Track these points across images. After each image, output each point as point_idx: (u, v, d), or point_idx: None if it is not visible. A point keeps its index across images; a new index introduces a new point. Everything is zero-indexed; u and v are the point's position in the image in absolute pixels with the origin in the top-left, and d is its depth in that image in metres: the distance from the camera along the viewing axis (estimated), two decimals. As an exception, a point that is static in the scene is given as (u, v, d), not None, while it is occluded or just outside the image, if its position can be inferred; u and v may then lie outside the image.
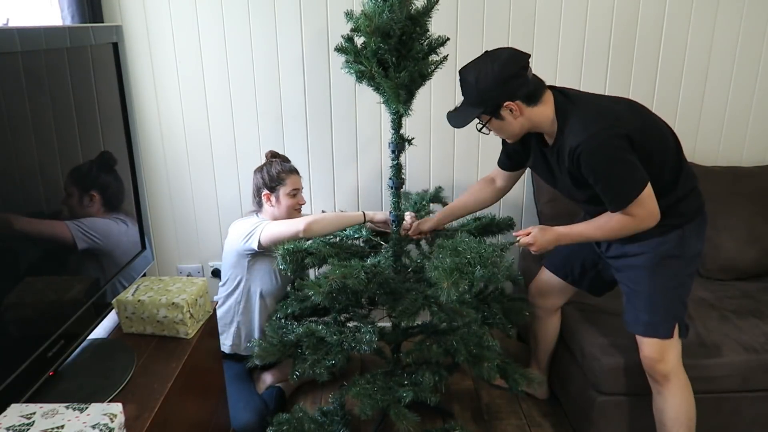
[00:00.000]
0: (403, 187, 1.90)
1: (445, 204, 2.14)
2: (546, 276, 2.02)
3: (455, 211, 1.97)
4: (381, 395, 1.71)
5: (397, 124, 1.78)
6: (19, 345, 1.09)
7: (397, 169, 1.84)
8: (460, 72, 1.60)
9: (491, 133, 1.67)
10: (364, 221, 1.97)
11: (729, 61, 2.41)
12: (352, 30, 1.69)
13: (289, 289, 2.04)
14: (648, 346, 1.67)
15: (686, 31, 2.36)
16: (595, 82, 2.40)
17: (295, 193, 2.07)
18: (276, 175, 2.05)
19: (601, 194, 1.56)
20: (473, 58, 1.61)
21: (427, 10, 1.65)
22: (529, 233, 1.67)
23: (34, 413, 1.01)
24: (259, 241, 1.92)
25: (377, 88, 1.71)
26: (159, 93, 2.32)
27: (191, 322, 1.45)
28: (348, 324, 1.91)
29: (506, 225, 1.96)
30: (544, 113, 1.57)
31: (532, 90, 1.55)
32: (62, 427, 0.98)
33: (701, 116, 2.48)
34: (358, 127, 2.42)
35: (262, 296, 2.07)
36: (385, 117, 2.38)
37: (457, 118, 1.62)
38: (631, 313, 1.71)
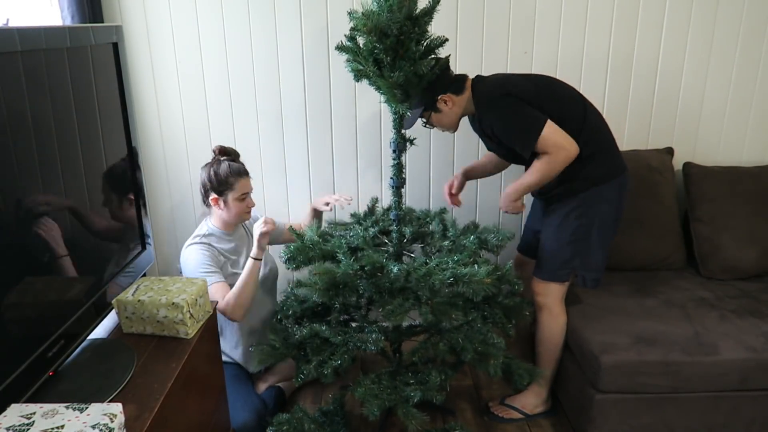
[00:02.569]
0: (404, 186, 1.91)
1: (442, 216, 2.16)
2: (518, 255, 2.34)
3: (481, 168, 2.25)
4: (387, 395, 1.71)
5: (398, 124, 1.79)
6: (19, 345, 1.09)
7: (398, 169, 1.84)
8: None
9: (435, 127, 2.00)
10: (258, 258, 1.89)
11: (729, 61, 2.41)
12: (351, 29, 1.70)
13: (290, 289, 2.04)
14: (535, 282, 2.04)
15: (686, 31, 2.36)
16: (594, 82, 2.40)
17: (245, 197, 1.96)
18: (224, 178, 1.91)
19: (513, 146, 1.85)
20: None
21: (428, 12, 1.65)
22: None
23: (34, 413, 1.01)
24: None
25: (377, 88, 1.72)
26: (159, 93, 2.32)
27: (191, 322, 1.45)
28: (350, 324, 1.91)
29: (506, 240, 1.94)
30: (467, 98, 1.91)
31: (456, 82, 1.88)
32: (62, 427, 0.98)
33: (701, 116, 2.48)
34: (358, 127, 2.42)
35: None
36: (386, 117, 2.39)
37: (407, 121, 1.87)
38: (537, 260, 2.04)
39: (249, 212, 2.02)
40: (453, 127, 1.99)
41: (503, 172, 2.35)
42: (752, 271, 2.28)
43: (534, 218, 2.21)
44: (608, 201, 1.92)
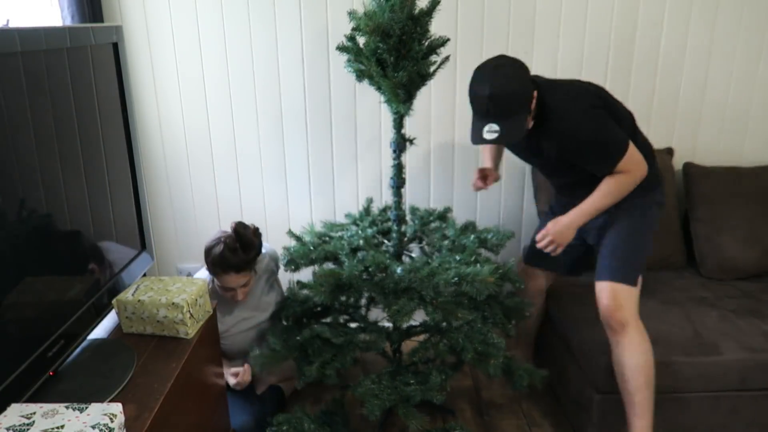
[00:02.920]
0: (404, 186, 1.91)
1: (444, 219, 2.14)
2: (526, 269, 2.16)
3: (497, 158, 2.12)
4: (387, 395, 1.71)
5: (398, 124, 1.79)
6: (19, 345, 1.09)
7: (398, 169, 1.84)
8: (493, 92, 1.59)
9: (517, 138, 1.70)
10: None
11: (729, 61, 2.41)
12: (353, 29, 1.69)
13: (289, 288, 2.04)
14: (606, 295, 1.75)
15: (686, 31, 2.36)
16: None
17: (229, 290, 1.86)
18: (211, 265, 1.80)
19: (591, 164, 1.72)
20: (483, 75, 1.64)
21: (429, 11, 1.65)
22: (546, 236, 1.79)
23: (34, 413, 1.01)
24: None
25: (378, 88, 1.72)
26: (159, 93, 2.33)
27: (191, 322, 1.45)
28: (350, 324, 1.91)
29: (506, 239, 1.94)
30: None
31: (533, 80, 1.70)
32: (62, 427, 0.98)
33: (701, 116, 2.48)
34: (358, 127, 2.42)
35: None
36: (386, 117, 2.39)
37: (512, 131, 1.62)
38: (600, 264, 1.82)
39: (234, 298, 1.89)
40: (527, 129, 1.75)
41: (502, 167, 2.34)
42: (752, 271, 2.28)
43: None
44: (658, 205, 1.88)
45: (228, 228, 1.84)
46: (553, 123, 1.67)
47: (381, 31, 1.59)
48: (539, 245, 1.82)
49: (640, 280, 1.81)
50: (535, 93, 1.66)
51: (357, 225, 2.04)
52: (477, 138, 1.64)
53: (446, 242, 1.92)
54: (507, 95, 1.60)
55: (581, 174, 1.79)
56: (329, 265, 1.83)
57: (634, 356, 1.71)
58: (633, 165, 1.70)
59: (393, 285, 1.72)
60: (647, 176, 1.77)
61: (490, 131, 1.61)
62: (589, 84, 1.79)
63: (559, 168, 1.85)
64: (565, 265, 2.06)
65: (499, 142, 1.64)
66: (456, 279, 1.66)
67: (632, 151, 1.68)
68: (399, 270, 1.70)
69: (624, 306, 1.73)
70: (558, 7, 2.30)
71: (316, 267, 1.84)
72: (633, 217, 1.82)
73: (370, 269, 1.73)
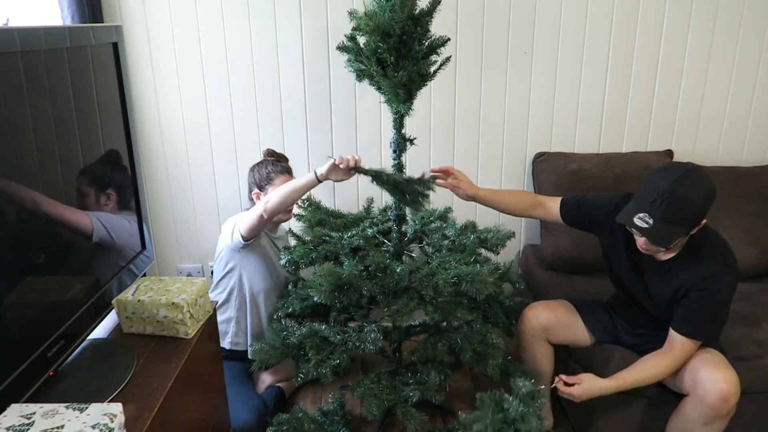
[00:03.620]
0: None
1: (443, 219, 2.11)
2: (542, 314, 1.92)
3: (495, 201, 1.89)
4: (386, 395, 1.71)
5: (398, 124, 1.79)
6: (19, 345, 1.09)
7: (398, 169, 1.84)
8: (674, 189, 1.49)
9: (645, 244, 1.60)
10: (318, 181, 1.78)
11: (729, 61, 2.41)
12: (353, 29, 1.69)
13: (291, 287, 2.04)
14: (727, 379, 1.55)
15: (686, 31, 2.36)
16: (594, 82, 2.40)
17: None
18: (266, 174, 2.06)
19: (691, 318, 1.59)
20: (672, 170, 1.53)
21: (429, 11, 1.65)
22: (574, 385, 1.63)
23: (34, 413, 1.01)
24: (240, 234, 1.93)
25: (379, 88, 1.71)
26: (159, 93, 2.32)
27: (191, 322, 1.45)
28: (350, 324, 1.91)
29: (506, 239, 1.92)
30: None
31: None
32: (62, 427, 0.98)
33: (701, 116, 2.48)
34: (358, 127, 2.42)
35: (254, 294, 2.08)
36: (386, 117, 2.39)
37: (662, 236, 1.53)
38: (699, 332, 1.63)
39: (288, 212, 2.08)
40: (661, 254, 1.66)
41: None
42: (752, 272, 2.28)
43: (609, 329, 1.88)
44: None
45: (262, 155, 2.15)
46: (699, 267, 1.57)
47: (381, 31, 1.59)
48: (560, 389, 1.66)
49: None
50: (703, 222, 1.55)
51: (358, 225, 2.03)
52: (627, 219, 1.55)
53: (446, 242, 1.92)
54: (683, 200, 1.49)
55: (663, 318, 1.68)
56: (329, 265, 1.83)
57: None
58: (685, 355, 1.60)
59: (393, 285, 1.72)
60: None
61: (643, 220, 1.52)
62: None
63: (655, 303, 1.70)
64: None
65: (645, 235, 1.53)
66: (455, 279, 1.66)
67: (695, 348, 1.60)
68: (399, 270, 1.70)
69: (737, 391, 1.57)
70: (558, 7, 2.30)
71: (316, 267, 1.84)
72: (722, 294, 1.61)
73: (370, 269, 1.73)
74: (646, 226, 1.51)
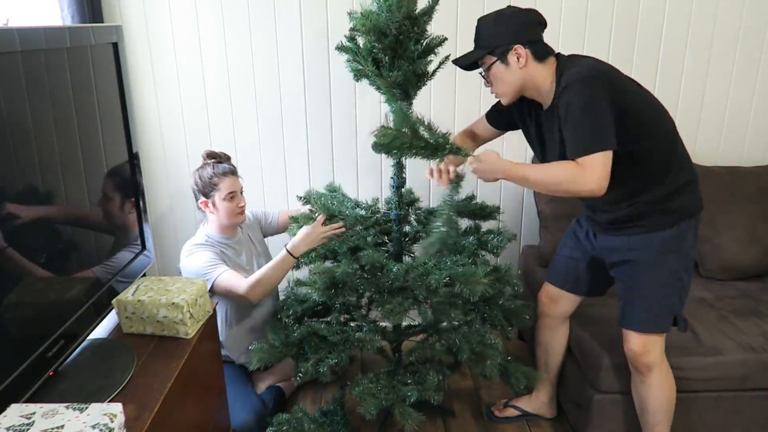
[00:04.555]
0: (404, 186, 1.91)
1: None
2: (550, 287, 1.98)
3: (471, 144, 1.93)
4: (385, 394, 1.71)
5: (398, 124, 1.78)
6: (19, 345, 1.09)
7: (398, 169, 1.84)
8: (479, 19, 1.60)
9: (490, 85, 1.64)
10: (295, 258, 1.86)
11: (729, 61, 2.41)
12: (350, 30, 1.70)
13: (289, 289, 2.04)
14: (633, 340, 1.66)
15: (686, 30, 2.36)
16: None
17: (233, 196, 1.93)
18: (208, 180, 1.91)
19: (567, 138, 1.49)
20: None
21: (427, 11, 1.66)
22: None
23: (34, 413, 1.01)
24: (212, 287, 1.85)
25: (378, 87, 1.72)
26: (159, 93, 2.33)
27: (191, 322, 1.45)
28: (349, 324, 1.91)
29: (506, 242, 1.92)
30: (544, 74, 1.56)
31: (541, 45, 1.56)
32: (62, 427, 0.98)
33: (701, 116, 2.48)
34: (358, 127, 2.42)
35: (230, 313, 2.03)
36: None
37: (464, 58, 1.61)
38: (627, 309, 1.69)
39: (242, 212, 1.98)
40: (509, 95, 1.62)
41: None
42: (752, 271, 2.28)
43: (576, 246, 1.87)
44: (695, 234, 1.64)
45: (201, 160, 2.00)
46: (559, 92, 1.51)
47: (377, 31, 1.59)
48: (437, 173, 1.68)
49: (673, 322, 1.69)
50: (519, 48, 1.53)
51: (360, 224, 2.01)
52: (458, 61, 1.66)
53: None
54: (480, 25, 1.59)
55: None
56: (326, 264, 1.83)
57: (657, 396, 1.71)
58: (592, 173, 1.43)
59: (388, 284, 1.72)
60: (692, 199, 1.62)
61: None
62: (611, 69, 1.56)
63: (559, 151, 1.61)
64: (588, 285, 1.90)
65: (454, 62, 1.64)
66: (448, 279, 1.66)
67: (603, 161, 1.43)
68: (394, 269, 1.71)
69: (651, 351, 1.67)
70: (558, 7, 2.30)
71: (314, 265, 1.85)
72: (663, 253, 1.60)
73: (366, 268, 1.73)
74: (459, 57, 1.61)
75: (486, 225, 2.05)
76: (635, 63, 2.38)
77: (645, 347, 1.66)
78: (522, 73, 1.55)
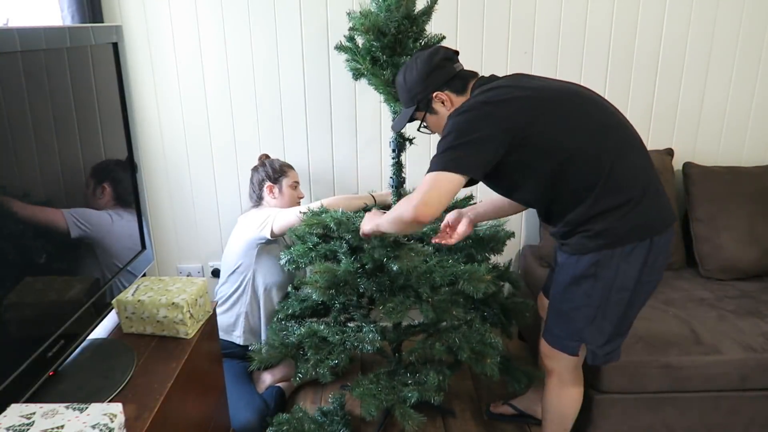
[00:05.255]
0: (404, 185, 1.91)
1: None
2: (540, 295, 1.92)
3: (493, 211, 1.77)
4: (385, 395, 1.71)
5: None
6: (19, 345, 1.09)
7: (398, 168, 1.84)
8: (394, 81, 1.62)
9: (433, 133, 1.61)
10: (375, 203, 2.01)
11: (729, 61, 2.41)
12: (349, 29, 1.71)
13: (290, 289, 2.05)
14: (542, 342, 1.65)
15: (686, 31, 2.36)
16: (595, 82, 2.39)
17: (296, 185, 2.21)
18: (279, 167, 2.18)
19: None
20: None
21: (426, 11, 1.66)
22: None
23: (34, 413, 1.01)
24: (271, 230, 1.99)
25: (375, 86, 1.72)
26: (159, 93, 2.32)
27: (191, 322, 1.45)
28: (349, 324, 1.91)
29: (505, 239, 1.90)
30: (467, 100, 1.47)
31: (458, 79, 1.52)
32: (62, 427, 0.98)
33: (701, 116, 2.48)
34: (358, 127, 2.42)
35: (266, 289, 2.13)
36: (386, 116, 2.39)
37: (397, 121, 1.62)
38: (545, 322, 1.65)
39: (299, 203, 2.19)
40: None
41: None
42: (752, 271, 2.28)
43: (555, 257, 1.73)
44: (630, 263, 1.44)
45: (257, 163, 2.27)
46: None
47: (376, 30, 1.60)
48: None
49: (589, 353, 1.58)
50: (439, 94, 1.50)
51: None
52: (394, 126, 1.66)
53: None
54: (399, 85, 1.58)
55: (523, 194, 1.52)
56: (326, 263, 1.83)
57: (550, 401, 1.70)
58: (422, 195, 1.34)
59: (389, 283, 1.72)
60: (620, 227, 1.41)
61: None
62: (552, 81, 1.49)
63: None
64: None
65: (392, 127, 1.65)
66: (452, 277, 1.66)
67: (442, 182, 1.33)
68: (395, 267, 1.71)
69: (554, 359, 1.61)
70: (558, 7, 2.30)
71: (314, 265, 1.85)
72: (577, 277, 1.48)
73: (366, 266, 1.73)
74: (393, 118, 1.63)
75: (485, 224, 2.04)
76: (635, 63, 2.38)
77: (547, 352, 1.64)
78: (452, 112, 1.46)
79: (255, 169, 2.23)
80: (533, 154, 1.40)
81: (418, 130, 1.63)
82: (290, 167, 2.23)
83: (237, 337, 2.14)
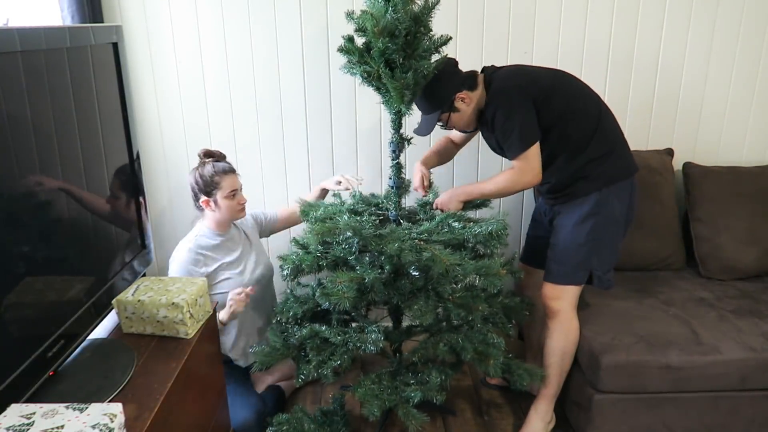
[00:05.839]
0: (403, 186, 1.91)
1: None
2: (522, 265, 2.22)
3: (437, 156, 2.17)
4: (387, 395, 1.71)
5: (397, 124, 1.79)
6: (19, 345, 1.09)
7: (398, 169, 1.84)
8: (419, 98, 1.81)
9: (453, 128, 1.95)
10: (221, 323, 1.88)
11: (729, 61, 2.41)
12: (355, 30, 1.67)
13: (288, 291, 2.03)
14: (547, 287, 1.93)
15: (686, 31, 2.36)
16: (595, 82, 2.38)
17: (234, 193, 1.96)
18: (210, 179, 1.92)
19: (502, 144, 1.83)
20: None
21: (428, 9, 1.65)
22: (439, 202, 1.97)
23: (34, 413, 1.01)
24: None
25: (378, 89, 1.71)
26: (159, 93, 2.32)
27: (191, 322, 1.45)
28: (350, 324, 1.91)
29: (501, 231, 1.89)
30: (480, 94, 1.85)
31: (469, 78, 1.84)
32: (62, 427, 0.98)
33: (701, 116, 2.48)
34: (358, 127, 2.42)
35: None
36: (385, 117, 2.39)
37: (423, 127, 1.88)
38: (547, 264, 1.94)
39: (242, 209, 2.01)
40: (471, 125, 1.92)
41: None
42: (752, 272, 2.29)
43: (537, 225, 2.16)
44: (620, 200, 1.87)
45: (197, 159, 2.00)
46: (487, 101, 1.83)
47: (388, 32, 1.58)
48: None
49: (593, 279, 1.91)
50: (460, 94, 1.81)
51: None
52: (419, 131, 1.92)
53: (445, 230, 1.86)
54: (421, 100, 1.82)
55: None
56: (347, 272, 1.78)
57: (557, 341, 1.92)
58: (526, 165, 1.78)
59: (410, 285, 1.72)
60: (612, 167, 1.84)
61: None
62: (543, 69, 1.92)
63: (495, 143, 1.92)
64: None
65: (417, 133, 1.90)
66: (473, 274, 1.65)
67: (532, 154, 1.77)
68: (414, 271, 1.69)
69: (560, 298, 1.91)
70: (558, 6, 2.30)
71: (321, 274, 1.83)
72: (582, 217, 1.85)
73: (386, 269, 1.71)
74: (417, 127, 1.90)
75: (480, 213, 2.04)
76: (635, 62, 2.38)
77: (554, 293, 1.91)
78: (471, 106, 1.85)
79: (190, 174, 1.97)
80: (549, 114, 1.80)
81: (442, 127, 1.94)
82: (224, 173, 1.93)
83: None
